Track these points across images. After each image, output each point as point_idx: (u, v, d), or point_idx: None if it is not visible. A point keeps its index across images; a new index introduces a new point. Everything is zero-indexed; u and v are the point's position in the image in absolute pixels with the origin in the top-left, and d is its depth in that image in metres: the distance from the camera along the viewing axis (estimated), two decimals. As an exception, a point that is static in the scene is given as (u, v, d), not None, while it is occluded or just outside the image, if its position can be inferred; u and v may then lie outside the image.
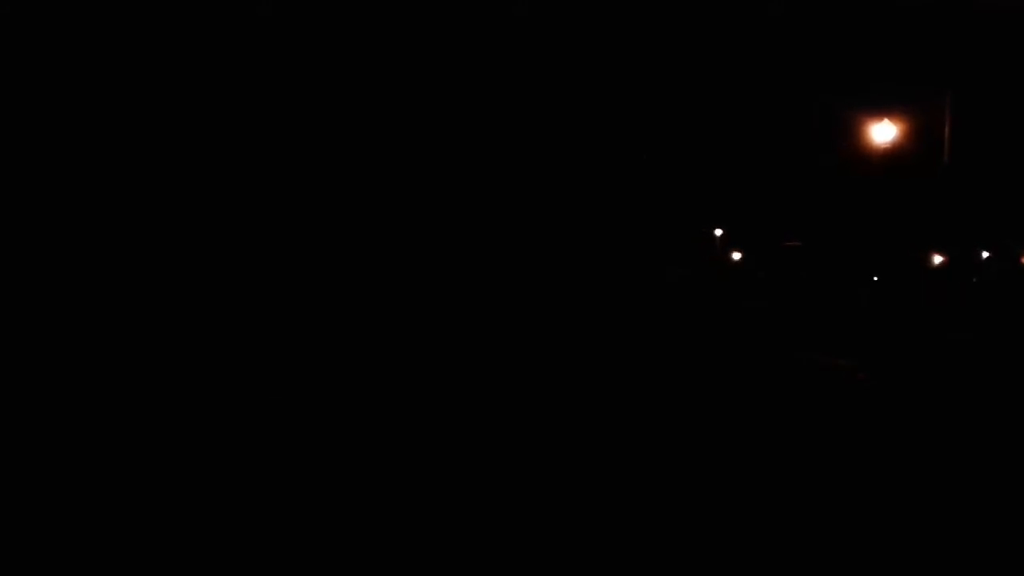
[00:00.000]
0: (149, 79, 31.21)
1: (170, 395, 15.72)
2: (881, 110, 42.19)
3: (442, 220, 35.48)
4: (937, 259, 62.70)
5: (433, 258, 34.10)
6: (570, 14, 38.85)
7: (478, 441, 13.04)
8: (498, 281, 34.35)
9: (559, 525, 9.36)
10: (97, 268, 27.47)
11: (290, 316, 26.51)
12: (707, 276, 51.10)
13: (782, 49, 47.41)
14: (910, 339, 28.39)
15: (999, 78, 52.56)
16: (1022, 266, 59.05)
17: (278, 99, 33.28)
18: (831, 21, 47.80)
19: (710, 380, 19.63)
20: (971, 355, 24.96)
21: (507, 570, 8.34)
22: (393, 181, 35.01)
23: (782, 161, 56.67)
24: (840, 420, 15.53)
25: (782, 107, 53.13)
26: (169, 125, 31.40)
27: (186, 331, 23.35)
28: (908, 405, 17.16)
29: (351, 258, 32.27)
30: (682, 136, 48.58)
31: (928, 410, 16.61)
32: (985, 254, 62.30)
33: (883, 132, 41.55)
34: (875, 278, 49.04)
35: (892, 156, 42.95)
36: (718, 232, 63.50)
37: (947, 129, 48.78)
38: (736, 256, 67.15)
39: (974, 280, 54.98)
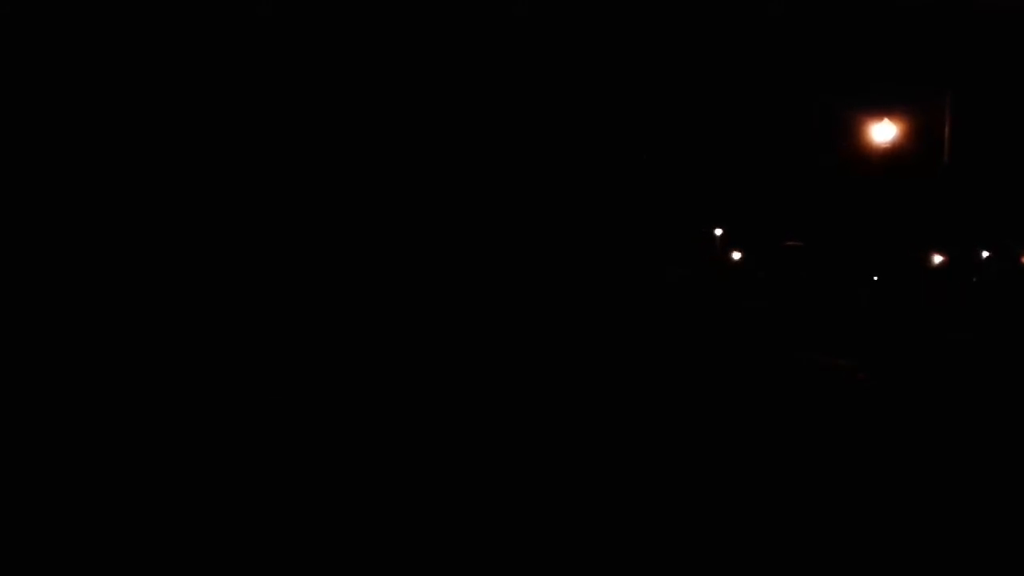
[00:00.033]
0: (149, 79, 31.20)
1: (170, 395, 15.72)
2: (881, 110, 42.17)
3: (442, 220, 35.47)
4: (937, 259, 62.68)
5: (433, 258, 34.09)
6: (570, 14, 38.85)
7: (478, 441, 13.04)
8: (498, 281, 34.33)
9: (559, 525, 9.36)
10: (97, 268, 27.47)
11: (290, 316, 26.50)
12: (707, 276, 51.09)
13: (782, 49, 47.40)
14: (910, 339, 28.39)
15: (999, 78, 52.55)
16: (1022, 266, 59.03)
17: (278, 99, 33.28)
18: (831, 21, 47.80)
19: (710, 380, 19.62)
20: (971, 355, 24.96)
21: (507, 570, 8.33)
22: (393, 181, 35.01)
23: (782, 161, 56.65)
24: (840, 420, 15.52)
25: (782, 107, 53.12)
26: (169, 125, 31.39)
27: (186, 331, 23.34)
28: (908, 405, 17.15)
29: (351, 258, 32.27)
30: (682, 136, 48.57)
31: (928, 410, 16.61)
32: (985, 254, 62.28)
33: (883, 132, 41.53)
34: (875, 278, 49.04)
35: (892, 156, 42.94)
36: (718, 232, 63.48)
37: (947, 129, 48.76)
38: (736, 256, 67.13)
39: (974, 280, 54.98)
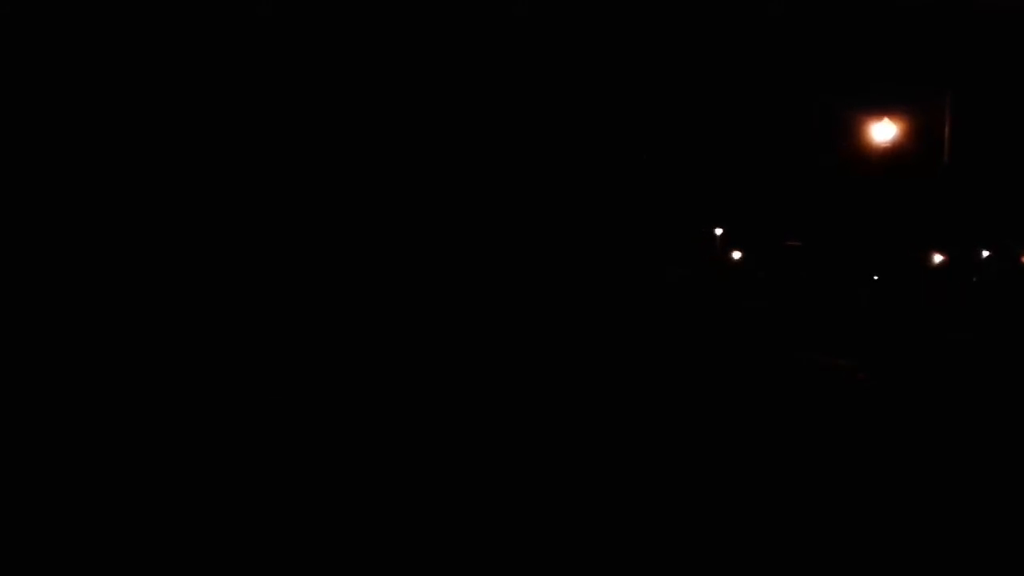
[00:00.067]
0: (149, 79, 31.20)
1: (170, 395, 15.72)
2: (881, 110, 42.16)
3: (442, 220, 35.47)
4: (937, 259, 62.68)
5: (433, 258, 34.09)
6: (570, 14, 38.85)
7: (478, 441, 13.04)
8: (498, 281, 34.33)
9: (559, 525, 9.36)
10: (97, 268, 27.47)
11: (290, 316, 26.50)
12: (707, 276, 51.10)
13: (782, 49, 47.40)
14: (910, 339, 28.40)
15: (999, 78, 52.54)
16: (1022, 266, 59.02)
17: (278, 99, 33.28)
18: (831, 21, 47.80)
19: (710, 380, 19.62)
20: (971, 355, 24.96)
21: (507, 570, 8.34)
22: (393, 181, 35.00)
23: (782, 161, 56.63)
24: (840, 420, 15.53)
25: (782, 107, 53.11)
26: (169, 125, 31.39)
27: (186, 331, 23.34)
28: (908, 405, 17.16)
29: (351, 258, 32.26)
30: (682, 136, 48.56)
31: (928, 410, 16.61)
32: (985, 254, 62.26)
33: (883, 132, 41.53)
34: (875, 278, 49.05)
35: (892, 156, 42.93)
36: (718, 232, 63.47)
37: (947, 129, 48.75)
38: (736, 256, 67.13)
39: (974, 280, 54.99)
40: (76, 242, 28.15)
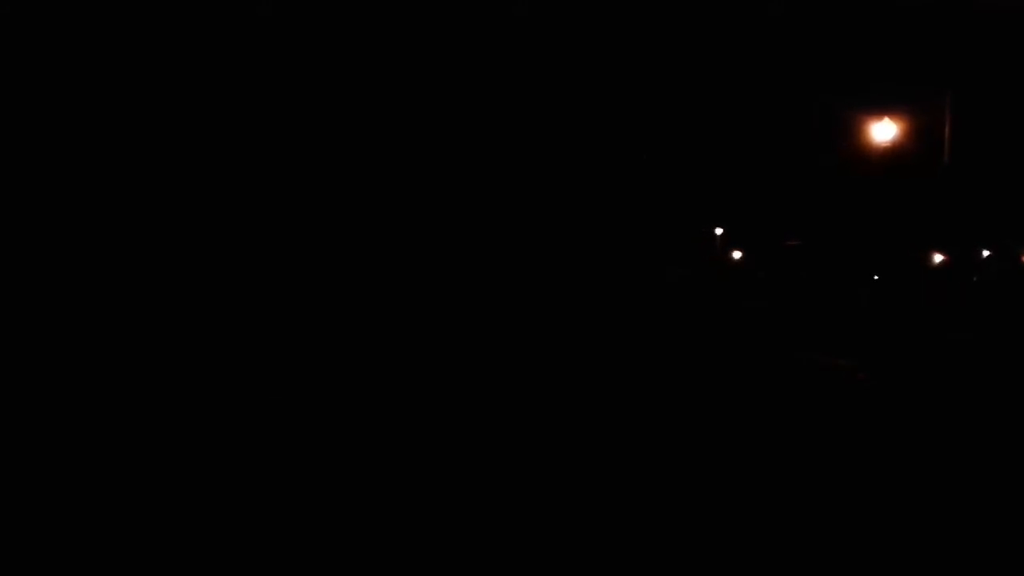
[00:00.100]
0: (149, 79, 31.20)
1: (170, 395, 15.72)
2: (881, 110, 42.16)
3: (442, 220, 35.48)
4: (937, 259, 62.68)
5: (433, 258, 34.09)
6: (570, 14, 38.85)
7: (478, 441, 13.04)
8: (498, 281, 34.34)
9: (559, 525, 9.36)
10: (97, 268, 27.47)
11: (291, 316, 26.50)
12: (707, 276, 51.11)
13: (782, 49, 47.39)
14: (910, 339, 28.40)
15: (999, 78, 52.54)
16: (1022, 266, 59.02)
17: (278, 99, 33.28)
18: (831, 21, 47.79)
19: (710, 380, 19.63)
20: (971, 355, 24.96)
21: (507, 570, 8.34)
22: (393, 181, 35.01)
23: (782, 161, 56.63)
24: (840, 420, 15.53)
25: (782, 107, 53.11)
26: (169, 125, 31.39)
27: (186, 331, 23.34)
28: (908, 405, 17.16)
29: (351, 258, 32.27)
30: (682, 136, 48.56)
31: (928, 410, 16.62)
32: (985, 253, 62.27)
33: (883, 132, 41.53)
34: (875, 278, 49.06)
35: (892, 156, 42.93)
36: (718, 232, 63.48)
37: (947, 129, 48.74)
38: (736, 256, 67.14)
39: (974, 280, 54.99)
40: (76, 242, 28.15)
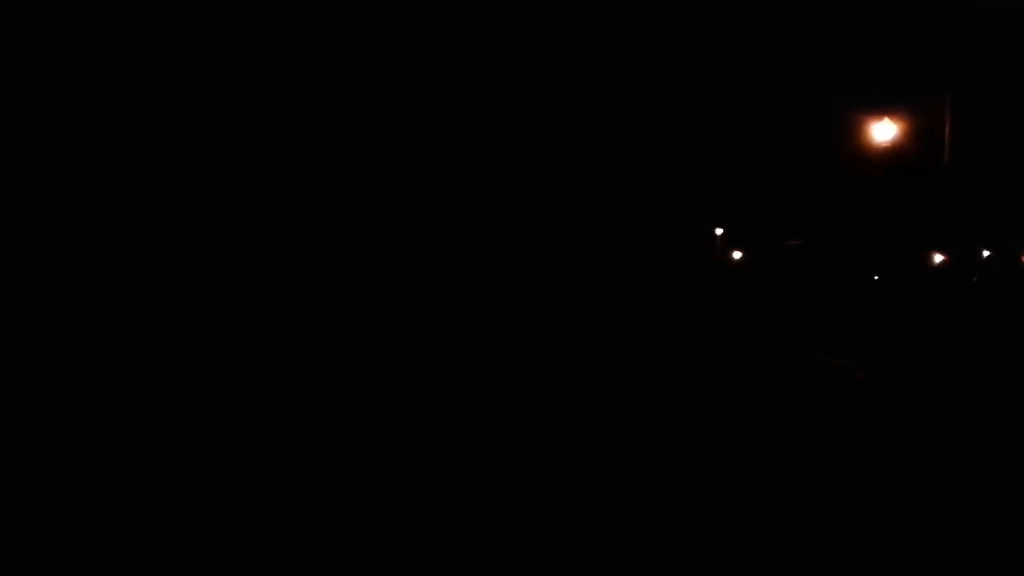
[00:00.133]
0: (149, 79, 31.20)
1: (170, 395, 15.72)
2: (881, 110, 42.17)
3: (442, 220, 35.48)
4: (937, 259, 62.70)
5: (433, 258, 34.09)
6: (570, 14, 38.85)
7: (478, 441, 13.04)
8: (498, 281, 34.34)
9: (559, 525, 9.36)
10: (97, 268, 27.47)
11: (291, 317, 26.51)
12: (707, 276, 51.13)
13: (782, 49, 47.40)
14: (910, 339, 28.40)
15: (999, 78, 52.55)
16: (1022, 266, 59.05)
17: (278, 99, 33.28)
18: (831, 21, 47.80)
19: (710, 380, 19.63)
20: (971, 355, 24.97)
21: (507, 570, 8.34)
22: (393, 181, 35.01)
23: (782, 161, 56.65)
24: (840, 420, 15.53)
25: (782, 107, 53.12)
26: (169, 125, 31.39)
27: (186, 331, 23.34)
28: (908, 405, 17.16)
29: (351, 259, 32.27)
30: (682, 136, 48.57)
31: (928, 410, 16.62)
32: (985, 254, 62.28)
33: (883, 132, 41.54)
34: (875, 278, 49.07)
35: (892, 156, 42.95)
36: (718, 232, 63.50)
37: (947, 129, 48.75)
38: (736, 256, 67.17)
39: (974, 280, 55.01)
40: (76, 242, 28.15)
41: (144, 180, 30.52)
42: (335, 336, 24.18)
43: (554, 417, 14.84)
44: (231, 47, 32.29)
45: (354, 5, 34.67)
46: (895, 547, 8.97)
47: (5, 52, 29.32)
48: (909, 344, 27.12)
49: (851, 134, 48.81)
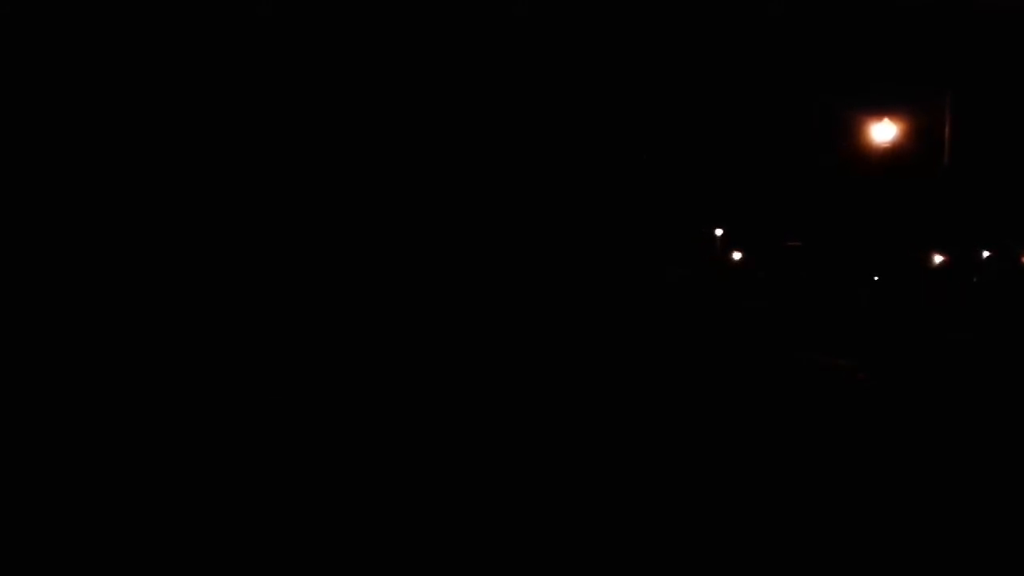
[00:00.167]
0: (149, 79, 31.21)
1: (170, 395, 15.72)
2: (881, 110, 42.20)
3: (442, 220, 35.49)
4: (937, 259, 62.72)
5: (433, 258, 34.10)
6: (570, 14, 38.86)
7: (478, 441, 13.04)
8: (498, 281, 34.34)
9: (559, 525, 9.36)
10: (97, 268, 27.47)
11: (290, 317, 26.51)
12: (707, 276, 51.15)
13: (782, 49, 47.41)
14: (910, 339, 28.40)
15: (999, 78, 52.58)
16: (1022, 266, 59.06)
17: (278, 99, 33.29)
18: (831, 21, 47.81)
19: (710, 380, 19.63)
20: (971, 355, 24.96)
21: (507, 570, 8.34)
22: (393, 181, 35.02)
23: (782, 161, 56.68)
24: (840, 420, 15.53)
25: (782, 107, 53.14)
26: (168, 125, 31.40)
27: (186, 332, 23.34)
28: (908, 405, 17.16)
29: (351, 259, 32.27)
30: (682, 136, 48.59)
31: (928, 410, 16.62)
32: (985, 254, 62.30)
33: (883, 132, 41.55)
34: (875, 278, 49.09)
35: (892, 156, 42.97)
36: (718, 232, 63.54)
37: (947, 129, 48.78)
38: (736, 256, 67.21)
39: (974, 280, 55.01)
40: (76, 242, 28.15)
41: (144, 180, 30.53)
42: (335, 335, 24.18)
43: (554, 417, 14.84)
44: (231, 47, 32.29)
45: (354, 5, 34.68)
46: (895, 547, 8.97)
47: (5, 52, 29.32)
48: (909, 344, 27.12)
49: (851, 134, 48.85)
